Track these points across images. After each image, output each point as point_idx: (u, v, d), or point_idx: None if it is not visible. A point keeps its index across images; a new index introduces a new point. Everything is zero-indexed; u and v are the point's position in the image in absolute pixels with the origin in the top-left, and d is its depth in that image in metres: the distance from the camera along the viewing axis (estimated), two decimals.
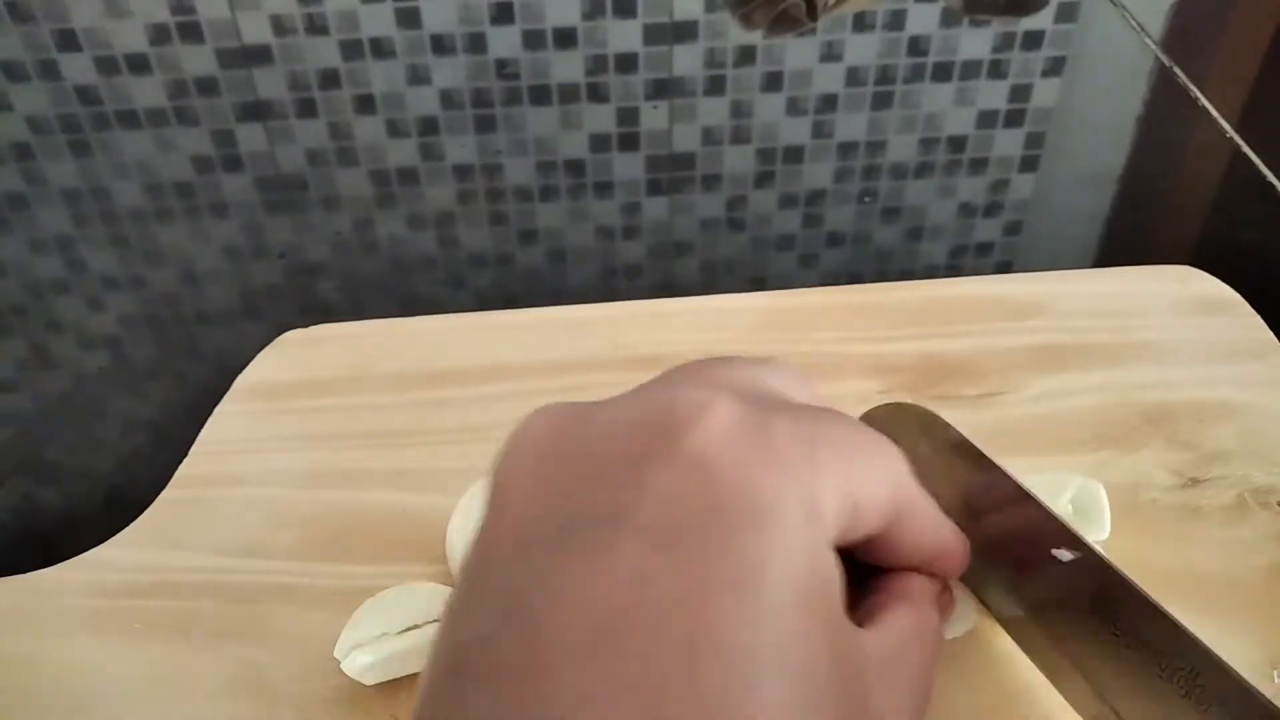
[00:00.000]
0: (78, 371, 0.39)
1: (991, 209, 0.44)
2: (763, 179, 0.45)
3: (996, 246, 0.43)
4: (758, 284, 0.41)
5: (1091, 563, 0.19)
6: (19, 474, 0.35)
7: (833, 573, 0.16)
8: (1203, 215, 0.43)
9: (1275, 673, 0.25)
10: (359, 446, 0.32)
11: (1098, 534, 0.27)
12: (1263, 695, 0.17)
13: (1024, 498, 0.21)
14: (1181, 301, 0.36)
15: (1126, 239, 0.42)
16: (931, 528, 0.19)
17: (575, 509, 0.15)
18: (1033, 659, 0.20)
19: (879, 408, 0.25)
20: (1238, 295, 0.36)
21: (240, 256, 0.43)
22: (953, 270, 0.42)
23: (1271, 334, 0.34)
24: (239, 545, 0.29)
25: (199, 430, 0.32)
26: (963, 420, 0.32)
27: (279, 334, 0.36)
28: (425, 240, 0.43)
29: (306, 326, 0.36)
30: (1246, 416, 0.31)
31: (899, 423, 0.24)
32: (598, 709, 0.13)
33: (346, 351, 0.35)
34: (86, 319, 0.40)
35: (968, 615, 0.25)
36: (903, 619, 0.18)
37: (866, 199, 0.44)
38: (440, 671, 0.15)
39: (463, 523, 0.28)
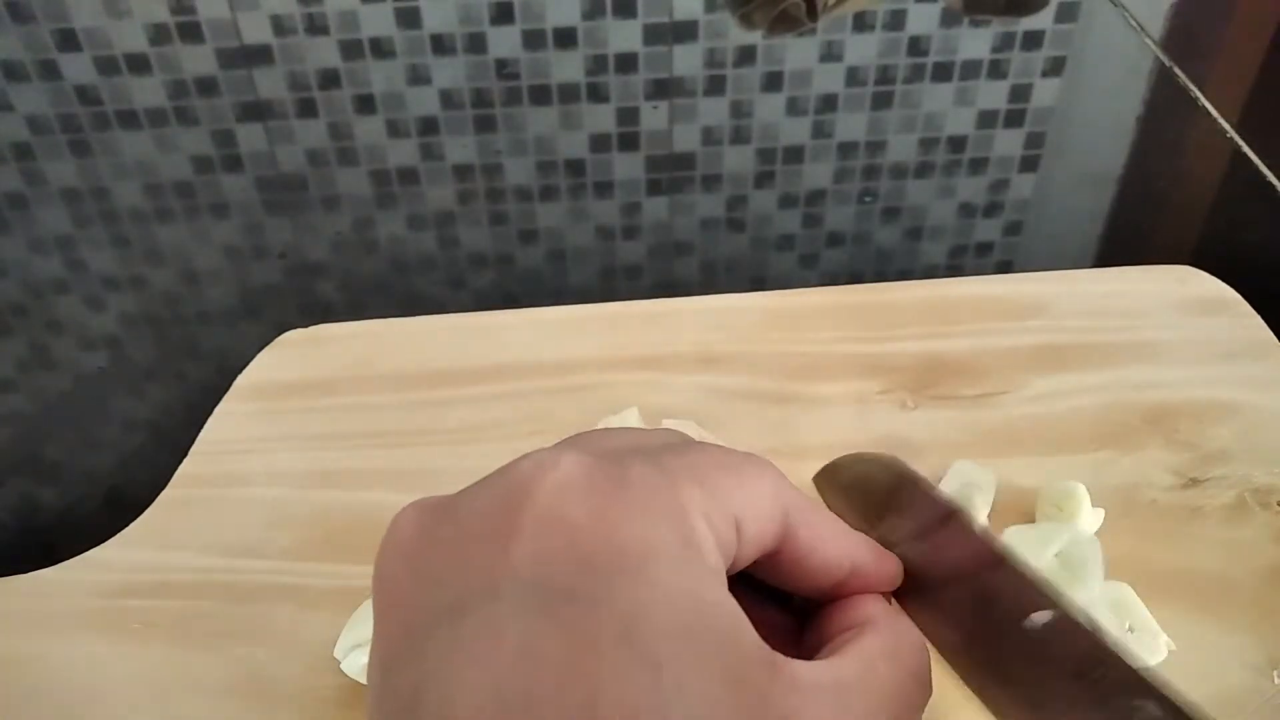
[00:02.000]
0: (78, 371, 0.39)
1: (991, 209, 0.44)
2: (763, 179, 0.45)
3: (996, 246, 0.43)
4: (758, 284, 0.41)
5: (1071, 626, 0.17)
6: (19, 474, 0.35)
7: (726, 603, 0.16)
8: (1202, 215, 0.43)
9: (1275, 673, 0.25)
10: (359, 446, 0.32)
11: (1084, 590, 0.26)
12: None
13: (990, 551, 0.19)
14: (1181, 301, 0.36)
15: (1126, 239, 0.42)
16: (833, 534, 0.19)
17: (453, 595, 0.15)
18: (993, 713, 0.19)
19: (842, 458, 0.23)
20: (1237, 295, 0.36)
21: (240, 256, 0.43)
22: (953, 270, 0.42)
23: (1271, 334, 0.34)
24: (239, 545, 0.29)
25: (199, 430, 0.32)
26: (963, 420, 0.32)
27: (279, 334, 0.36)
28: (425, 240, 0.43)
29: (306, 326, 0.36)
30: (1246, 416, 0.31)
31: (862, 473, 0.23)
32: None
33: (346, 351, 0.35)
34: (87, 319, 0.40)
35: None
36: (865, 642, 0.18)
37: (866, 199, 0.44)
38: None
39: None
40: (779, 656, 0.16)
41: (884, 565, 0.20)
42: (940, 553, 0.20)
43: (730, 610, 0.16)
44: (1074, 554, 0.26)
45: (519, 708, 0.14)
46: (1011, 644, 0.18)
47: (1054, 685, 0.17)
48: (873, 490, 0.22)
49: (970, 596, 0.19)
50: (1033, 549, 0.26)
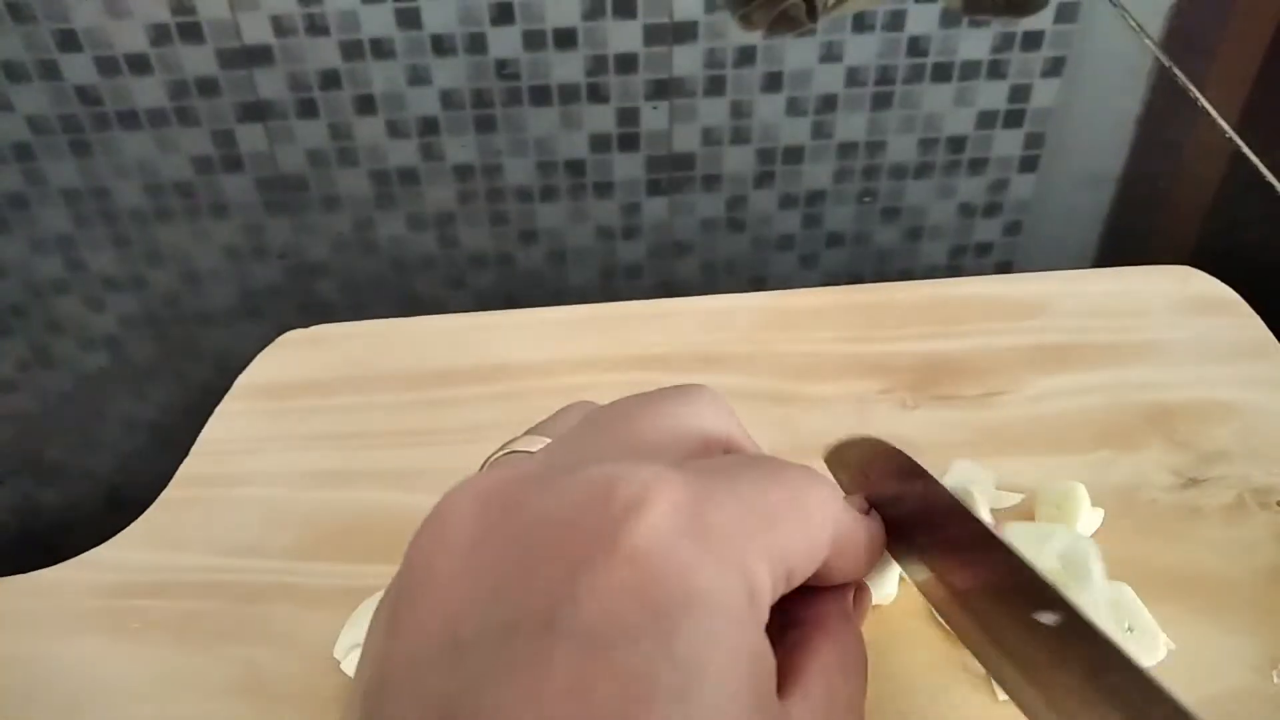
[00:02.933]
0: (78, 371, 0.39)
1: (991, 209, 0.44)
2: (762, 179, 0.45)
3: (996, 246, 0.43)
4: (758, 284, 0.41)
5: (1079, 629, 0.17)
6: (20, 474, 0.35)
7: (768, 656, 0.15)
8: (1202, 215, 0.43)
9: (1275, 672, 0.25)
10: (359, 446, 0.32)
11: (1086, 591, 0.25)
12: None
13: (1005, 553, 0.19)
14: (1181, 301, 0.36)
15: (1126, 239, 0.42)
16: (864, 554, 0.19)
17: (510, 609, 0.14)
18: (1015, 701, 0.19)
19: (848, 443, 0.23)
20: (1237, 295, 0.36)
21: (241, 257, 0.43)
22: (953, 270, 0.42)
23: (1270, 334, 0.34)
24: (239, 545, 0.29)
25: (199, 430, 0.32)
26: (963, 420, 0.32)
27: (279, 334, 0.36)
28: (425, 240, 0.43)
29: (307, 327, 0.36)
30: (1246, 416, 0.31)
31: (868, 459, 0.22)
32: None
33: (347, 352, 0.35)
34: (87, 319, 0.41)
35: (891, 583, 0.25)
36: (825, 660, 0.18)
37: (866, 199, 0.44)
38: None
39: None
40: (781, 705, 0.16)
41: (879, 549, 0.20)
42: (949, 547, 0.20)
43: (769, 664, 0.15)
44: (1075, 556, 0.26)
45: None
46: (1022, 636, 0.18)
47: (1065, 681, 0.17)
48: (875, 475, 0.22)
49: (978, 588, 0.19)
50: (1033, 548, 0.26)
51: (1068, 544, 0.26)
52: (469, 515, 0.16)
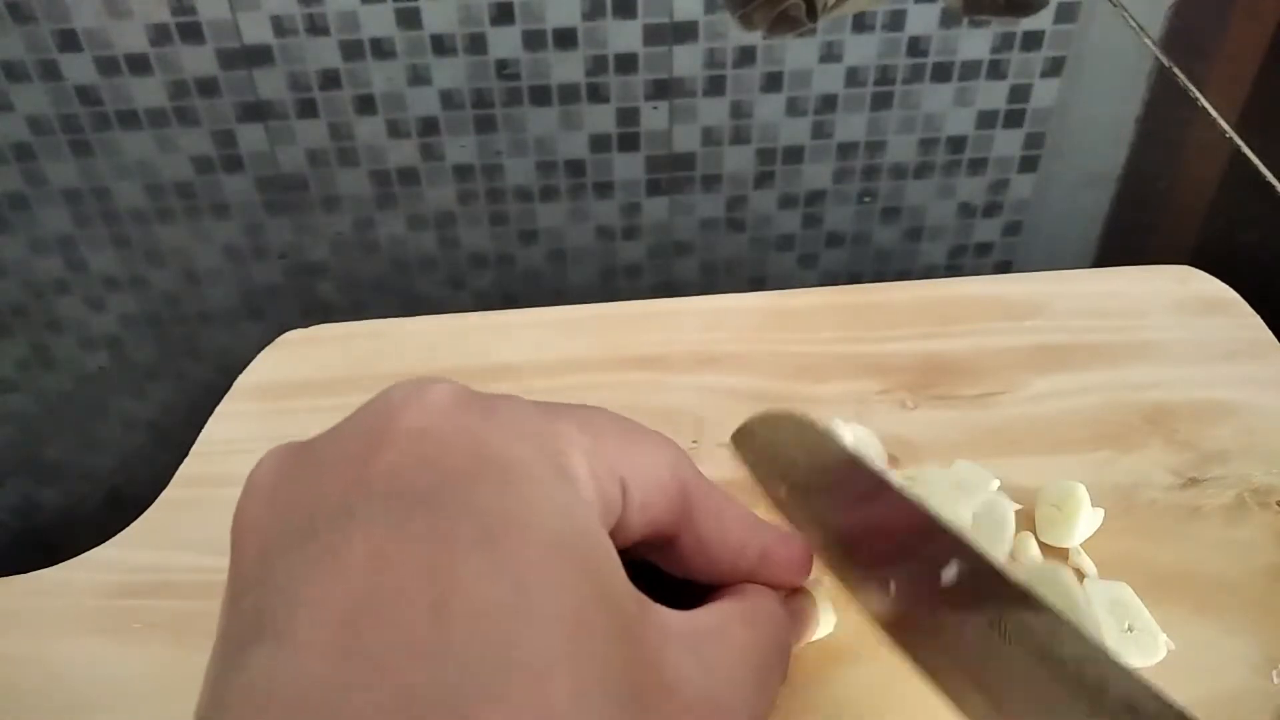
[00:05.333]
0: (78, 371, 0.39)
1: (991, 209, 0.44)
2: (762, 179, 0.45)
3: (996, 246, 0.43)
4: (757, 284, 0.41)
5: (985, 573, 0.17)
6: (20, 474, 0.35)
7: (601, 538, 0.15)
8: (1202, 215, 0.43)
9: (1275, 672, 0.25)
10: None
11: (997, 552, 0.25)
12: (1160, 691, 0.16)
13: (910, 507, 0.19)
14: (1181, 301, 0.36)
15: (1126, 239, 0.42)
16: (738, 520, 0.18)
17: (308, 518, 0.15)
18: (924, 674, 0.18)
19: (754, 418, 0.23)
20: (1237, 295, 0.36)
21: (241, 256, 0.43)
22: (952, 270, 0.42)
23: (1271, 334, 0.34)
24: None
25: (199, 430, 0.32)
26: (963, 420, 0.32)
27: (279, 334, 0.36)
28: (425, 240, 0.43)
29: (307, 326, 0.36)
30: (1246, 416, 0.31)
31: (777, 432, 0.22)
32: (354, 697, 0.12)
33: (347, 351, 0.35)
34: (87, 319, 0.41)
35: (826, 617, 0.24)
36: (726, 603, 0.17)
37: (866, 199, 0.44)
38: (207, 709, 0.14)
39: None
40: (645, 598, 0.16)
41: (793, 552, 0.19)
42: (857, 510, 0.20)
43: (604, 544, 0.15)
44: (992, 516, 0.26)
45: (365, 614, 0.13)
46: (931, 598, 0.17)
47: (971, 636, 0.17)
48: (784, 450, 0.21)
49: (890, 551, 0.19)
50: (948, 502, 0.26)
51: (986, 504, 0.26)
52: (270, 468, 0.16)
